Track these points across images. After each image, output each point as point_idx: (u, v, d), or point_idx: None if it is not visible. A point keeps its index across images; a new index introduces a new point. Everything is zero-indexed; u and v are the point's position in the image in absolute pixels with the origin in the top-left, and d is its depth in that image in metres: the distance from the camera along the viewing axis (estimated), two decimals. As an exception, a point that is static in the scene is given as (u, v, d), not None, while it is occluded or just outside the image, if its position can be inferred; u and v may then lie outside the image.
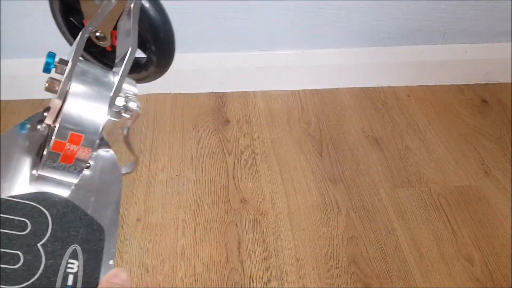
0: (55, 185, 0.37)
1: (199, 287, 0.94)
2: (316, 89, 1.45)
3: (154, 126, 1.30)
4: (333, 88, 1.45)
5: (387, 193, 1.13)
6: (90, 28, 0.37)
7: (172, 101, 1.38)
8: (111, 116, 0.37)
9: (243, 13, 1.30)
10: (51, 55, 0.37)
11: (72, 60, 0.35)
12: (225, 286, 0.94)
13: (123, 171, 0.42)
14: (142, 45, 0.44)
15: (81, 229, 0.37)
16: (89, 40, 0.41)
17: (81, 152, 0.35)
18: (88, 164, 0.38)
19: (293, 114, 1.36)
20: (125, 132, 0.37)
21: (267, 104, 1.39)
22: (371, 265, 0.98)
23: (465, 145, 1.26)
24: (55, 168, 0.36)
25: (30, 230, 0.35)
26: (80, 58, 0.37)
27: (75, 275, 0.35)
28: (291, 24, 1.34)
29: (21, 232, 0.35)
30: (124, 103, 0.36)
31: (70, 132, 0.34)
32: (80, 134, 0.35)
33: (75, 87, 0.35)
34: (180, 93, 1.41)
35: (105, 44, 0.42)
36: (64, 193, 0.38)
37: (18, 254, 0.34)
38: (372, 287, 0.94)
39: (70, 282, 0.34)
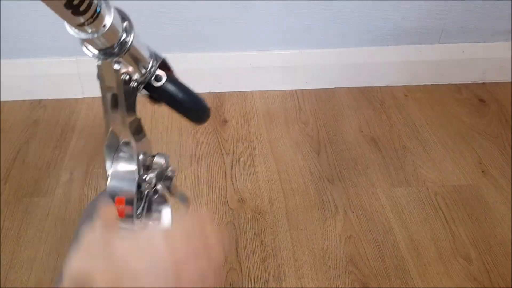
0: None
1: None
2: (314, 89, 1.45)
3: (151, 126, 1.30)
4: (330, 88, 1.45)
5: (384, 193, 1.13)
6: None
7: (170, 101, 1.38)
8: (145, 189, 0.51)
9: (241, 13, 1.30)
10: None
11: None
12: (223, 286, 0.94)
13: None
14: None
15: None
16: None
17: (127, 209, 0.49)
18: (138, 214, 0.52)
19: (290, 114, 1.36)
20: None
21: (265, 104, 1.40)
22: (369, 264, 0.98)
23: (463, 144, 1.26)
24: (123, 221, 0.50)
25: None
26: (127, 140, 0.50)
27: None
28: (289, 24, 1.34)
29: None
30: (154, 180, 0.51)
31: (116, 197, 0.49)
32: (121, 202, 0.49)
33: (112, 171, 0.50)
34: (178, 93, 1.41)
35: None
36: None
37: None
38: (370, 286, 0.94)
39: None
